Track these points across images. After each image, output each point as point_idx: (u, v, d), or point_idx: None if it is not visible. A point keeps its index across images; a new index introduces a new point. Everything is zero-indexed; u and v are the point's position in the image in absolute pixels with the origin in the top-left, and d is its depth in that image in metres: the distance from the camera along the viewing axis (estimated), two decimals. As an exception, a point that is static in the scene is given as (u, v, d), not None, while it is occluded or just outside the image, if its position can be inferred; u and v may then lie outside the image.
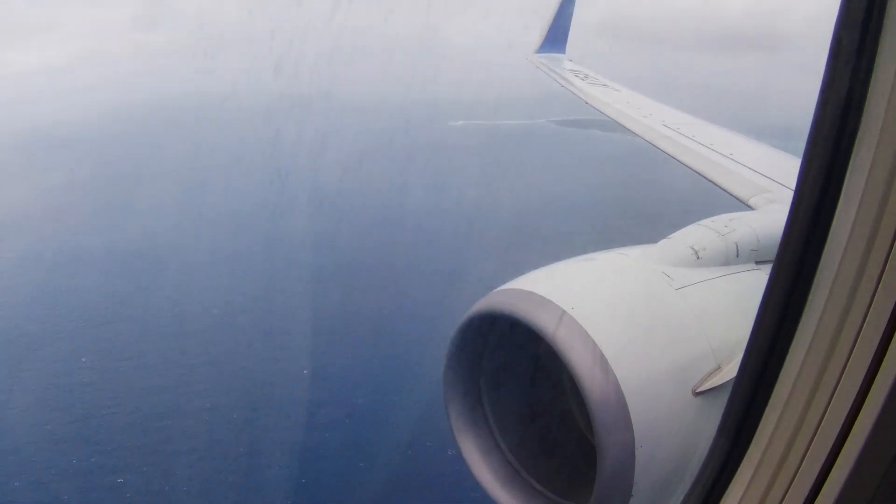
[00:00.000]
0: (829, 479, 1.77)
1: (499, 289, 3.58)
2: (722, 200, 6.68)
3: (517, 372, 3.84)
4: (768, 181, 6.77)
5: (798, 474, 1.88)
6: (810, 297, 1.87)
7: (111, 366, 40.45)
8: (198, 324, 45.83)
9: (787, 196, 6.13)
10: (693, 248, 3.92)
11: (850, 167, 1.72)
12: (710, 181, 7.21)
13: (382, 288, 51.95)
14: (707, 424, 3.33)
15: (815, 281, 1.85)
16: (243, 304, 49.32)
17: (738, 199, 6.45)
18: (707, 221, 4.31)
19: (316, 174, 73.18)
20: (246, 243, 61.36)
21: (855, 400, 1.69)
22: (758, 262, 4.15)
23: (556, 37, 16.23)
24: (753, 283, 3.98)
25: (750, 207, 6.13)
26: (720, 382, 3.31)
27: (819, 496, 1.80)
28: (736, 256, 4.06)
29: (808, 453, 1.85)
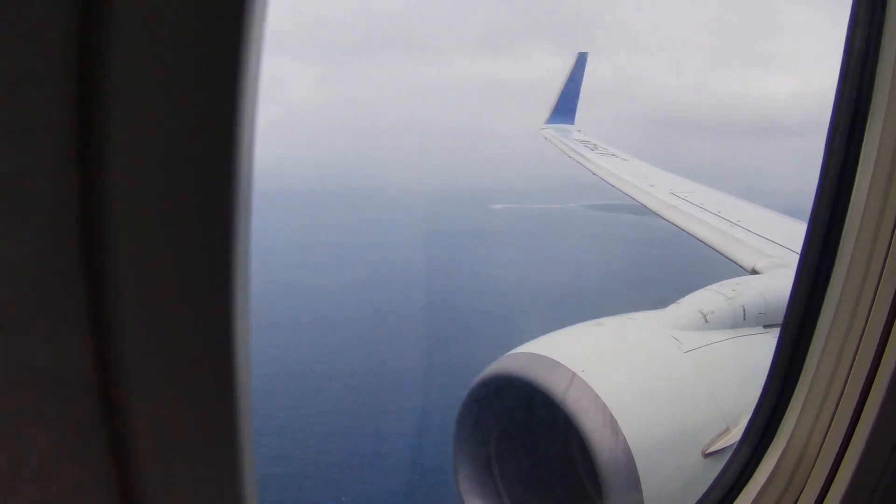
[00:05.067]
0: None
1: (510, 353, 3.62)
2: (732, 265, 6.71)
3: (527, 434, 3.83)
4: (775, 246, 6.81)
5: None
6: (808, 354, 1.99)
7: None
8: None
9: (794, 260, 6.16)
10: (701, 312, 3.98)
11: (844, 228, 1.90)
12: (716, 249, 7.23)
13: (402, 355, 51.91)
14: None
15: (813, 341, 1.97)
16: (283, 373, 49.76)
17: (743, 266, 6.48)
18: (715, 286, 4.37)
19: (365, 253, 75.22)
20: (293, 316, 61.94)
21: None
22: (766, 326, 4.18)
23: (564, 107, 16.27)
24: (761, 347, 4.01)
25: (756, 272, 6.17)
26: (729, 444, 3.32)
27: None
28: (743, 320, 4.10)
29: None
